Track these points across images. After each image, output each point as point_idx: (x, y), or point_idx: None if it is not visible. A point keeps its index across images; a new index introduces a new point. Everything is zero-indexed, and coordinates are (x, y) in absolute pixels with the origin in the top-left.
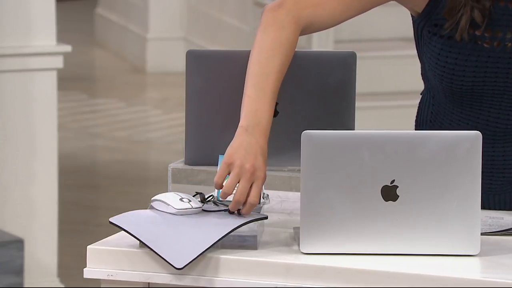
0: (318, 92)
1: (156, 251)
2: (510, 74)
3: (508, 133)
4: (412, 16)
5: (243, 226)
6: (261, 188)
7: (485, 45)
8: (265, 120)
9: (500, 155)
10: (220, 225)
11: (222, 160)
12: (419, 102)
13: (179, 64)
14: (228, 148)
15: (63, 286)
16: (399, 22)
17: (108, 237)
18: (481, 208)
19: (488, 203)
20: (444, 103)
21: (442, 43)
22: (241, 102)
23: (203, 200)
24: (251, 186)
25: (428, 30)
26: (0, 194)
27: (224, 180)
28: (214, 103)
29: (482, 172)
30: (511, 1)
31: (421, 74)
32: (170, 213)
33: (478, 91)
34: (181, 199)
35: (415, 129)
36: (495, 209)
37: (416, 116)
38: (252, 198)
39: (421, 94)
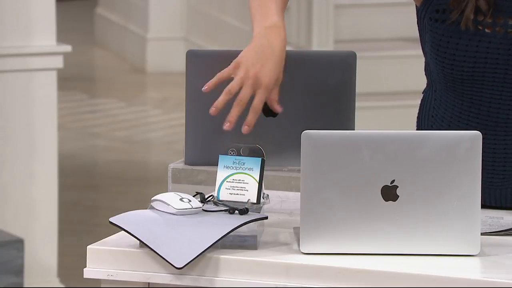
0: (318, 92)
1: (156, 251)
2: (510, 61)
3: (509, 124)
4: (416, 6)
5: (243, 226)
6: (264, 97)
7: (486, 30)
8: (278, 22)
9: (501, 148)
10: (220, 225)
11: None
12: (421, 99)
13: (179, 64)
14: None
15: (63, 286)
16: (399, 22)
17: (108, 237)
18: (482, 204)
19: (489, 199)
20: (445, 96)
21: (443, 29)
22: None
23: (203, 200)
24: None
25: (430, 18)
26: (0, 194)
27: (227, 77)
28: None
29: (483, 166)
30: None
31: (424, 70)
32: (170, 213)
33: (478, 78)
34: (181, 199)
35: (417, 125)
36: (496, 204)
37: (418, 113)
38: (254, 104)
39: (423, 92)
